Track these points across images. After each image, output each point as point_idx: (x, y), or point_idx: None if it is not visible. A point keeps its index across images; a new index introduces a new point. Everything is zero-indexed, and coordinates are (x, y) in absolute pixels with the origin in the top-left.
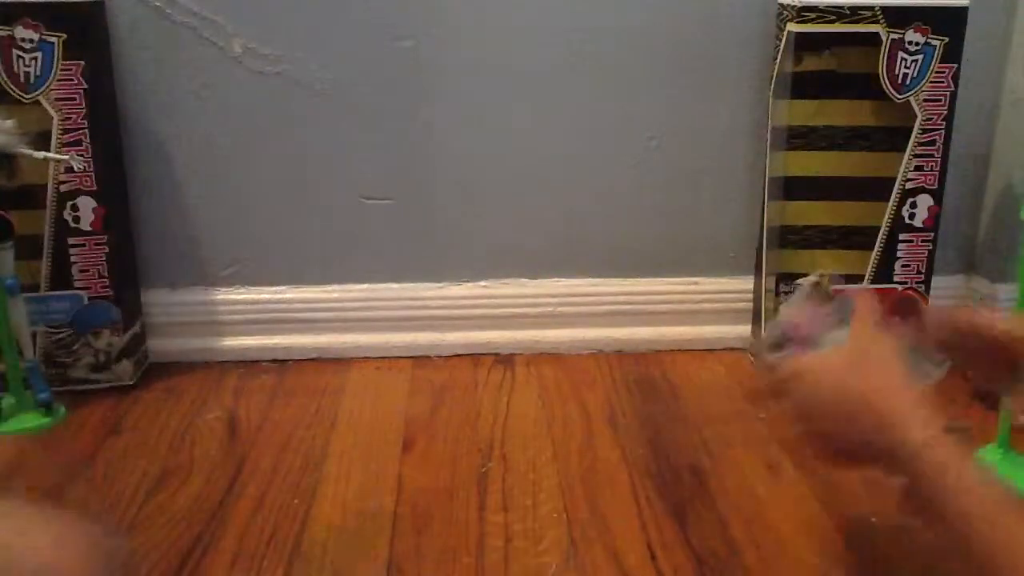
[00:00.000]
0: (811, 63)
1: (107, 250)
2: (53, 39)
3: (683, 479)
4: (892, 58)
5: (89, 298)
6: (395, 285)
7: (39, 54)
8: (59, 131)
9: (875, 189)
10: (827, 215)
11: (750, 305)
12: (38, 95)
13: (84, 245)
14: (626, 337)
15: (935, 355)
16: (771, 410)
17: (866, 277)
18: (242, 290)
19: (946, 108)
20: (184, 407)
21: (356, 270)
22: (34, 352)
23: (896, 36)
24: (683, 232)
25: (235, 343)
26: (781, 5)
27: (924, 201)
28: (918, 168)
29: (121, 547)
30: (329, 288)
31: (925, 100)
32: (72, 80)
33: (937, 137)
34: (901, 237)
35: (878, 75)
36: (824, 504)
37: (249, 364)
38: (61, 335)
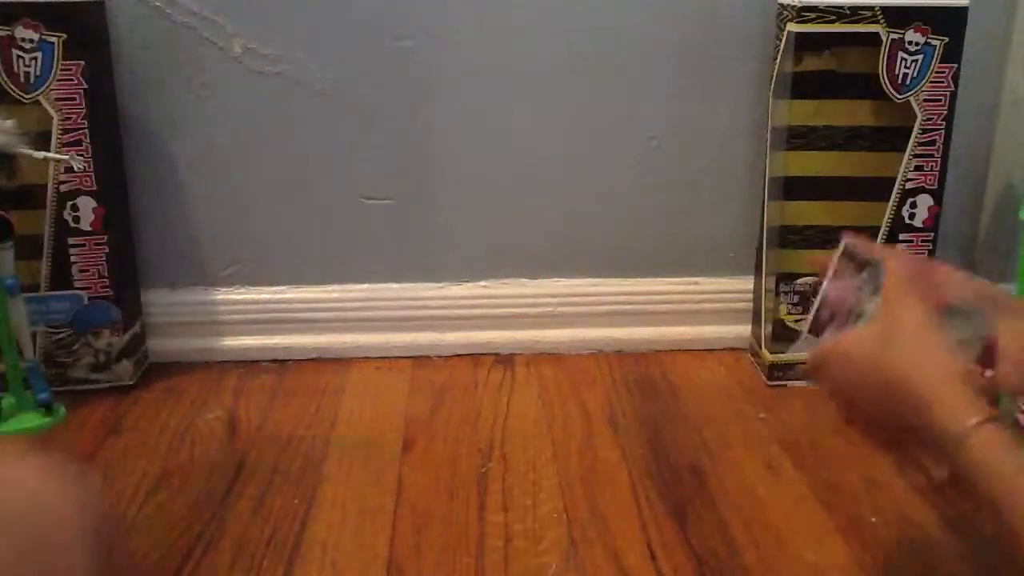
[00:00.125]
0: (811, 63)
1: (107, 250)
2: (53, 39)
3: (683, 479)
4: (892, 58)
5: (89, 298)
6: (395, 285)
7: (39, 54)
8: (59, 131)
9: (875, 189)
10: (827, 215)
11: (750, 305)
12: (38, 95)
13: (84, 245)
14: (626, 337)
15: (979, 310)
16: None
17: None
18: (242, 290)
19: (946, 108)
20: (184, 407)
21: (356, 270)
22: (34, 352)
23: (896, 36)
24: (683, 232)
25: (235, 343)
26: (781, 5)
27: (924, 201)
28: (918, 168)
29: (94, 481)
30: (329, 288)
31: (925, 100)
32: (72, 80)
33: (937, 137)
34: (901, 237)
35: (878, 75)
36: (824, 504)
37: (249, 364)
38: (61, 335)
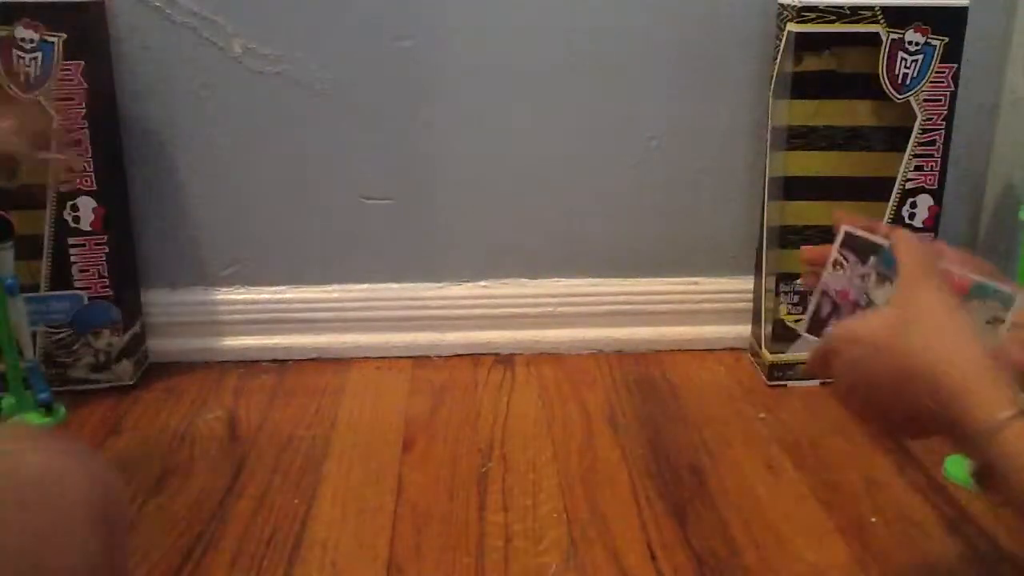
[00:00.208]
0: (811, 63)
1: (107, 250)
2: (53, 39)
3: (683, 479)
4: (892, 58)
5: (89, 298)
6: (395, 285)
7: (39, 54)
8: (59, 131)
9: (875, 189)
10: (827, 215)
11: (750, 305)
12: (38, 95)
13: (84, 245)
14: (626, 337)
15: (1006, 287)
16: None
17: None
18: (242, 290)
19: (946, 108)
20: (184, 407)
21: (356, 270)
22: (34, 352)
23: (896, 36)
24: (683, 232)
25: (235, 343)
26: (781, 5)
27: (924, 201)
28: (918, 168)
29: (105, 461)
30: (329, 288)
31: (925, 100)
32: (72, 80)
33: (937, 137)
34: None
35: (878, 75)
36: (824, 504)
37: (249, 364)
38: (61, 335)
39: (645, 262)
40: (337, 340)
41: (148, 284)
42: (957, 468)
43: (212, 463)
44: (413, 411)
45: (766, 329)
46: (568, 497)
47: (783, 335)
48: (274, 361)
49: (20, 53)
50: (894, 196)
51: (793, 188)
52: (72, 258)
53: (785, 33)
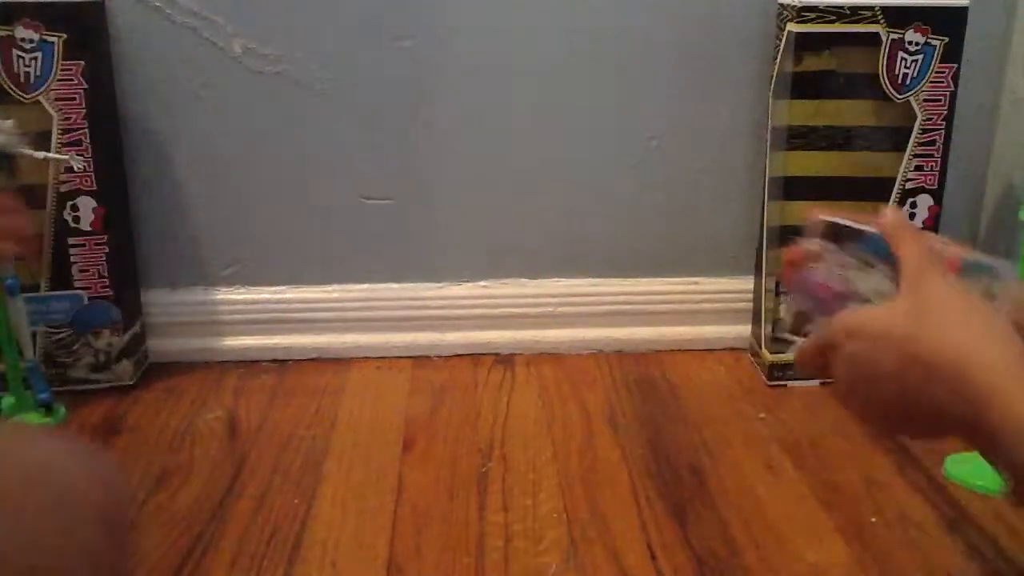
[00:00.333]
0: (811, 63)
1: (107, 250)
2: (53, 39)
3: (683, 479)
4: (892, 58)
5: (89, 298)
6: (395, 285)
7: (39, 54)
8: (59, 131)
9: (875, 189)
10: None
11: (750, 305)
12: (38, 95)
13: (84, 245)
14: (626, 337)
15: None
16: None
17: None
18: (242, 290)
19: (946, 108)
20: (184, 407)
21: (356, 270)
22: (34, 352)
23: (896, 36)
24: (683, 232)
25: (235, 343)
26: (781, 5)
27: (924, 201)
28: (918, 168)
29: (121, 482)
30: (329, 288)
31: (925, 100)
32: (72, 80)
33: (937, 137)
34: None
35: (878, 75)
36: (824, 504)
37: (249, 364)
38: (61, 335)
39: (645, 262)
40: (337, 340)
41: (148, 284)
42: (957, 468)
43: (212, 463)
44: (413, 411)
45: (766, 329)
46: (568, 497)
47: (783, 335)
48: (274, 361)
49: (20, 53)
50: (894, 196)
51: (793, 188)
52: (72, 258)
53: (785, 33)
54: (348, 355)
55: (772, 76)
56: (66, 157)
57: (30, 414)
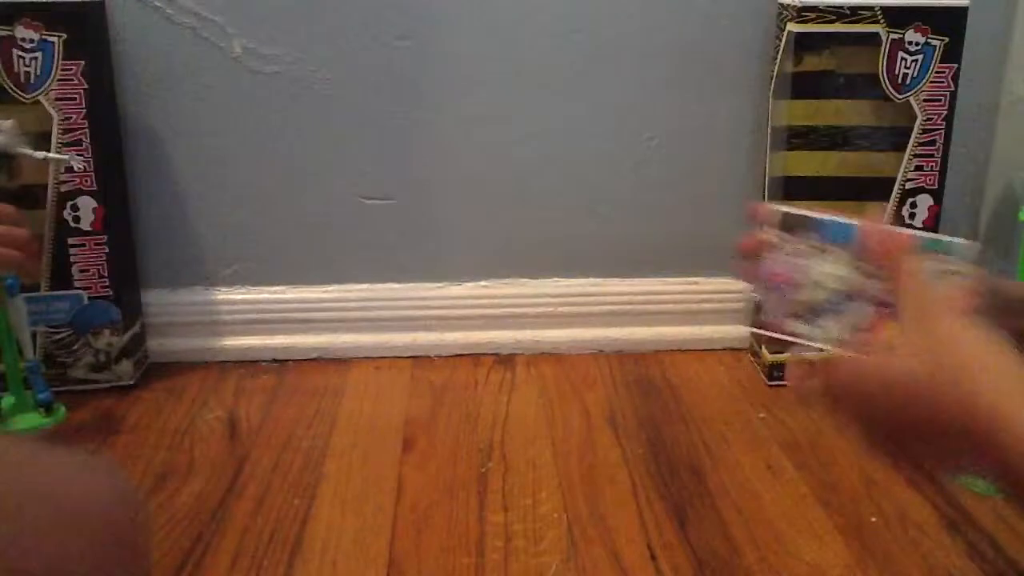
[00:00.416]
0: (811, 63)
1: (107, 250)
2: (53, 39)
3: (683, 479)
4: (892, 58)
5: (89, 298)
6: (395, 285)
7: (39, 54)
8: (59, 131)
9: (875, 189)
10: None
11: (750, 305)
12: (38, 95)
13: (84, 245)
14: (626, 337)
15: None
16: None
17: None
18: (242, 290)
19: (946, 108)
20: (184, 407)
21: (356, 270)
22: (34, 352)
23: (896, 36)
24: (683, 232)
25: (235, 343)
26: (781, 5)
27: (924, 201)
28: (918, 168)
29: (142, 503)
30: (329, 288)
31: (925, 100)
32: (72, 80)
33: (937, 137)
34: None
35: (878, 75)
36: (824, 504)
37: (249, 364)
38: (61, 335)
39: (645, 262)
40: (337, 340)
41: (148, 284)
42: None
43: (212, 463)
44: (413, 411)
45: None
46: (568, 497)
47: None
48: (274, 361)
49: (20, 53)
50: (894, 196)
51: (793, 188)
52: (72, 258)
53: (785, 33)
54: (348, 355)
55: (772, 76)
56: (66, 157)
57: (30, 414)
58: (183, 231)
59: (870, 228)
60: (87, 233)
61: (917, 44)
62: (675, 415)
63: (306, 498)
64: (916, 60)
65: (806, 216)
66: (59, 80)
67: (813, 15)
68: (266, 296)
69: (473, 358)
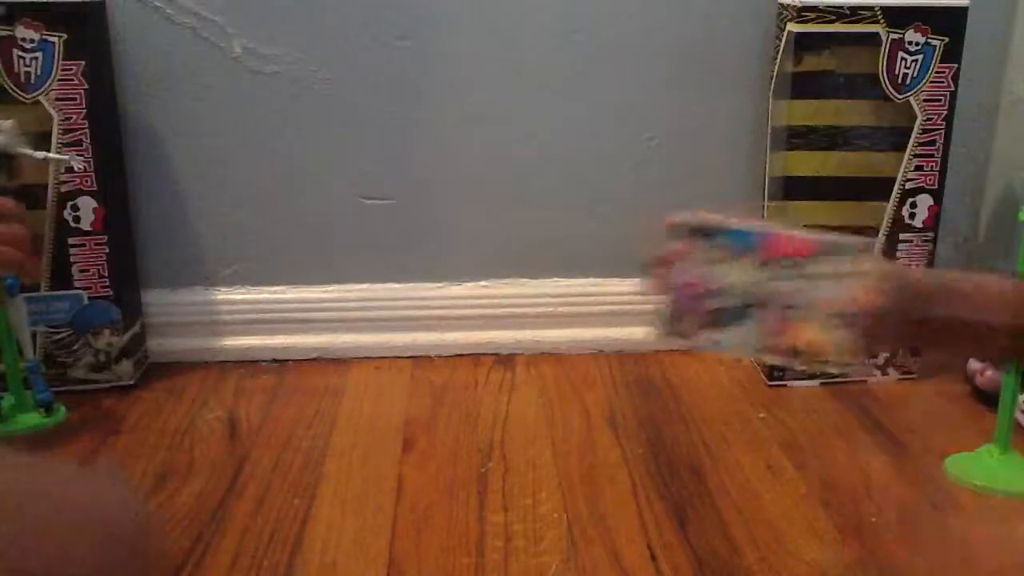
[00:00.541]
0: (811, 63)
1: (107, 250)
2: (54, 39)
3: (683, 479)
4: (892, 58)
5: (89, 298)
6: (395, 285)
7: (40, 54)
8: (59, 131)
9: (875, 189)
10: (827, 215)
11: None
12: (38, 95)
13: (84, 245)
14: (626, 337)
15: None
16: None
17: None
18: (242, 290)
19: (946, 108)
20: (184, 407)
21: (356, 270)
22: (34, 352)
23: (896, 36)
24: None
25: (235, 343)
26: (781, 5)
27: (924, 201)
28: (918, 168)
29: (145, 507)
30: (329, 288)
31: (925, 100)
32: (73, 80)
33: (937, 137)
34: (901, 237)
35: (878, 75)
36: (824, 504)
37: (249, 364)
38: (61, 335)
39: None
40: (337, 340)
41: (148, 284)
42: (957, 468)
43: (212, 463)
44: (413, 411)
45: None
46: (568, 497)
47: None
48: (274, 361)
49: (21, 53)
50: (894, 196)
51: (793, 188)
52: (72, 258)
53: (785, 33)
54: (348, 355)
55: (772, 76)
56: (66, 157)
57: (30, 414)
58: (183, 231)
59: (774, 233)
60: (87, 233)
61: (917, 44)
62: (675, 415)
63: (306, 498)
64: (916, 60)
65: (713, 224)
66: (59, 80)
67: (813, 15)
68: (266, 296)
69: (473, 358)
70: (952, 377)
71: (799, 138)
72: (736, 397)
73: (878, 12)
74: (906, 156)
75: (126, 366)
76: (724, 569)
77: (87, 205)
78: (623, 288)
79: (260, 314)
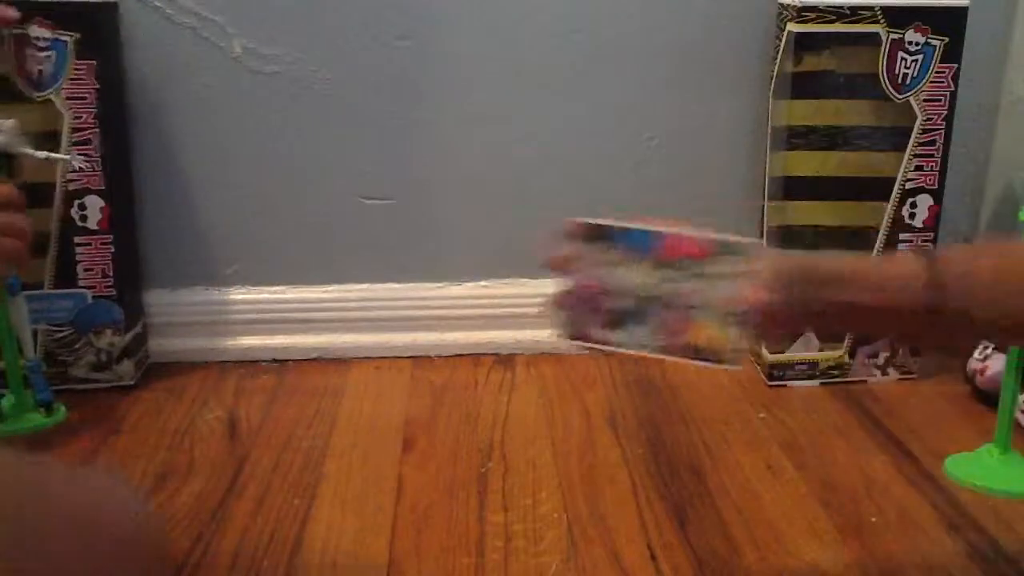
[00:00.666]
0: (811, 63)
1: (113, 250)
2: (66, 38)
3: (683, 479)
4: (892, 58)
5: (93, 297)
6: (395, 285)
7: (52, 53)
8: (69, 130)
9: (875, 189)
10: (827, 215)
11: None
12: (49, 94)
13: (90, 244)
14: None
15: (749, 243)
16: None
17: None
18: (242, 290)
19: (946, 108)
20: (184, 407)
21: (356, 270)
22: (35, 351)
23: (896, 36)
24: None
25: (235, 343)
26: (781, 5)
27: (924, 201)
28: (918, 168)
29: (146, 507)
30: (329, 288)
31: (925, 100)
32: (84, 79)
33: (937, 137)
34: (901, 237)
35: (878, 75)
36: (824, 504)
37: (249, 364)
38: (63, 333)
39: None
40: (337, 340)
41: (148, 284)
42: (957, 468)
43: (212, 463)
44: (413, 411)
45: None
46: (568, 497)
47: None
48: (274, 361)
49: (33, 51)
50: (894, 196)
51: (793, 188)
52: (78, 257)
53: (785, 33)
54: (348, 355)
55: (772, 76)
56: (68, 157)
57: (30, 414)
58: (183, 231)
59: (671, 234)
60: (94, 232)
61: (917, 44)
62: (675, 415)
63: (306, 498)
64: (916, 60)
65: (609, 227)
66: (71, 79)
67: (813, 15)
68: (266, 296)
69: (473, 358)
70: (952, 377)
71: (799, 138)
72: (736, 397)
73: (878, 12)
74: (906, 156)
75: (127, 366)
76: (724, 569)
77: (94, 204)
78: None
79: (260, 314)
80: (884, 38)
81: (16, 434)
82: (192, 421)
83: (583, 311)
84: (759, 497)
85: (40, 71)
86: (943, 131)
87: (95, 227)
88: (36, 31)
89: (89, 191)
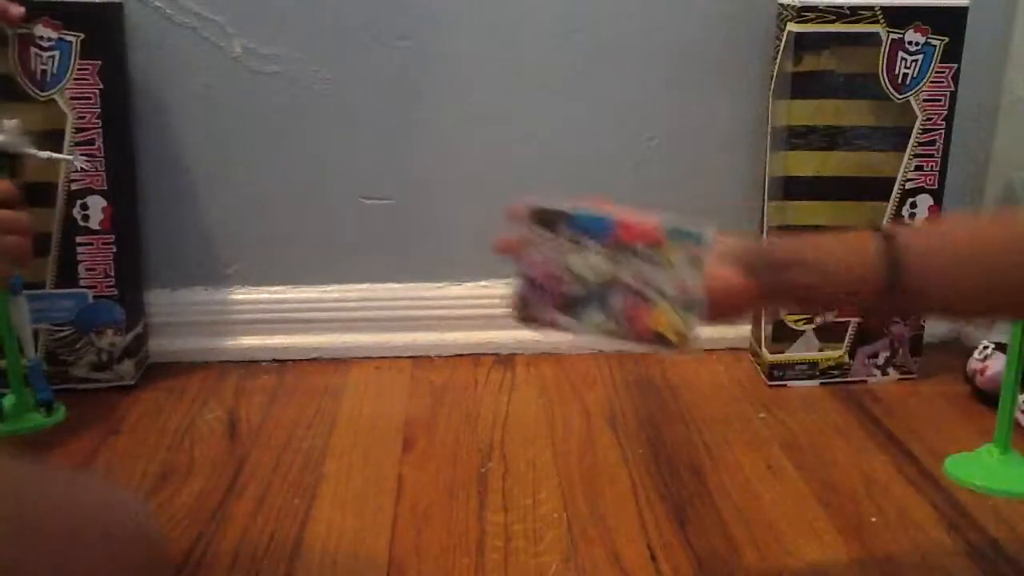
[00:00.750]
0: (811, 63)
1: (114, 250)
2: (71, 38)
3: (683, 479)
4: (892, 58)
5: (94, 297)
6: (395, 285)
7: (57, 52)
8: (73, 130)
9: (875, 189)
10: (827, 215)
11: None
12: (53, 93)
13: (92, 244)
14: None
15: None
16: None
17: None
18: (242, 290)
19: (946, 108)
20: (184, 407)
21: (356, 270)
22: (35, 351)
23: (896, 36)
24: None
25: (235, 343)
26: (781, 5)
27: (924, 201)
28: (918, 168)
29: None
30: (329, 288)
31: (925, 100)
32: (88, 80)
33: (937, 137)
34: None
35: (878, 75)
36: (824, 504)
37: (249, 364)
38: (64, 333)
39: None
40: (337, 340)
41: (149, 284)
42: (957, 468)
43: (212, 463)
44: (413, 411)
45: (766, 329)
46: (568, 497)
47: (783, 335)
48: (274, 361)
49: (38, 51)
50: (894, 196)
51: (793, 188)
52: (79, 256)
53: (785, 33)
54: (348, 355)
55: (772, 76)
56: (70, 157)
57: (31, 413)
58: (183, 231)
59: (627, 219)
60: (95, 232)
61: (917, 44)
62: (675, 415)
63: (306, 498)
64: (916, 60)
65: (560, 211)
66: (75, 79)
67: (813, 15)
68: (266, 296)
69: (473, 358)
70: (952, 377)
71: (799, 138)
72: (736, 397)
73: (878, 12)
74: (906, 156)
75: (128, 366)
76: (724, 569)
77: (96, 204)
78: None
79: (260, 314)
80: (884, 38)
81: (16, 434)
82: (192, 421)
83: (535, 294)
84: (759, 497)
85: (44, 71)
86: (943, 131)
87: (97, 227)
88: (41, 30)
89: (91, 191)
